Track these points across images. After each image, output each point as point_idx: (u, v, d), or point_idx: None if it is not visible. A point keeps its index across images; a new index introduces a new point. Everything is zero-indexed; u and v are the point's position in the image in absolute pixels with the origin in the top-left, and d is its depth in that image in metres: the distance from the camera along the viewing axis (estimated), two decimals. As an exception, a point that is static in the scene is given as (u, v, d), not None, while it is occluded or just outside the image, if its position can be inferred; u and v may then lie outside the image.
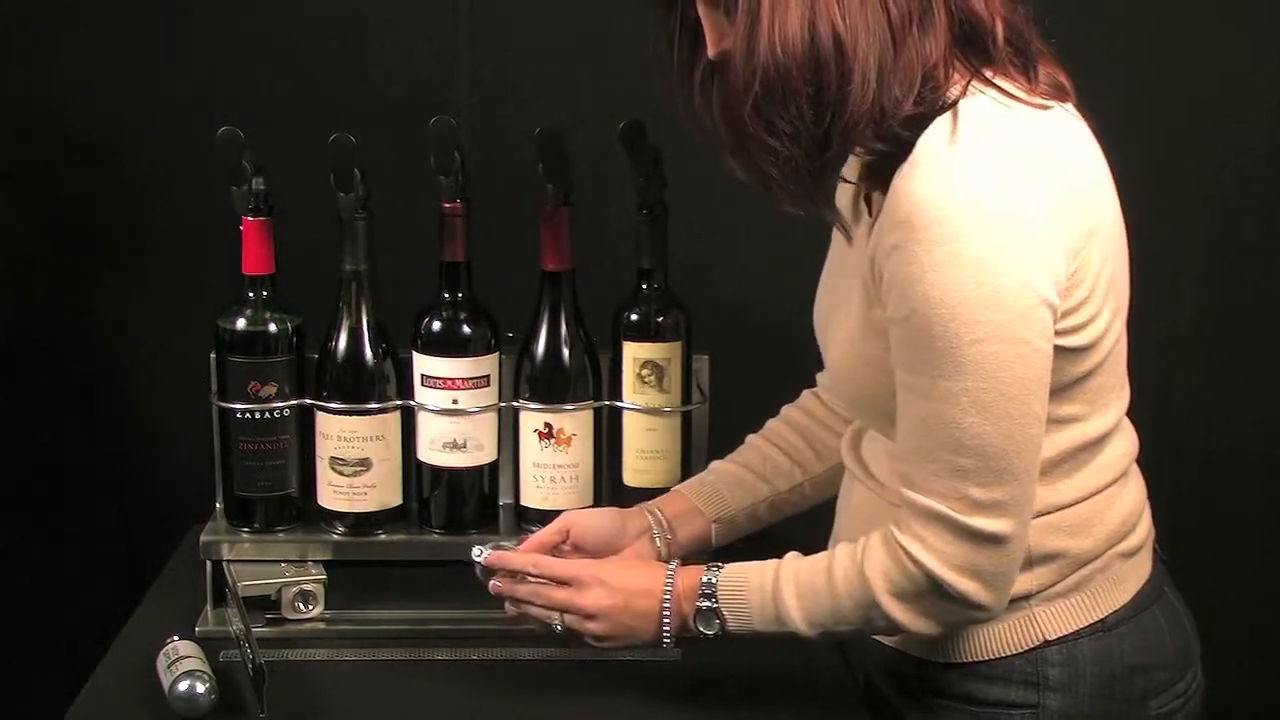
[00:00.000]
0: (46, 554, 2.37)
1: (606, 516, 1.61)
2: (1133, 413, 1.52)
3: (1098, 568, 1.44)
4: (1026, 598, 1.43)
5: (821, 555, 1.44)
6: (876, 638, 1.53)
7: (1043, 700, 1.44)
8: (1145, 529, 1.50)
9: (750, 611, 1.43)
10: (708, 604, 1.44)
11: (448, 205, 1.67)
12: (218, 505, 1.75)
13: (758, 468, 1.66)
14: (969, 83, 1.33)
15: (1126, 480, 1.48)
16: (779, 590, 1.42)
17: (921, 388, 1.32)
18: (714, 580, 1.44)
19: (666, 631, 1.46)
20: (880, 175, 1.35)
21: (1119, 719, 1.45)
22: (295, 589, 1.66)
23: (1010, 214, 1.28)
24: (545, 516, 1.68)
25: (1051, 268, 1.30)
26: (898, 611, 1.38)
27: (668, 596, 1.45)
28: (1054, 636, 1.44)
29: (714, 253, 2.18)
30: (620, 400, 1.73)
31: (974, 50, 1.34)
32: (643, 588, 1.47)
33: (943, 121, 1.31)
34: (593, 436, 1.73)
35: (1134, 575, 1.48)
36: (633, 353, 1.72)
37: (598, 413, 1.74)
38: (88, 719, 1.52)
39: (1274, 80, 2.31)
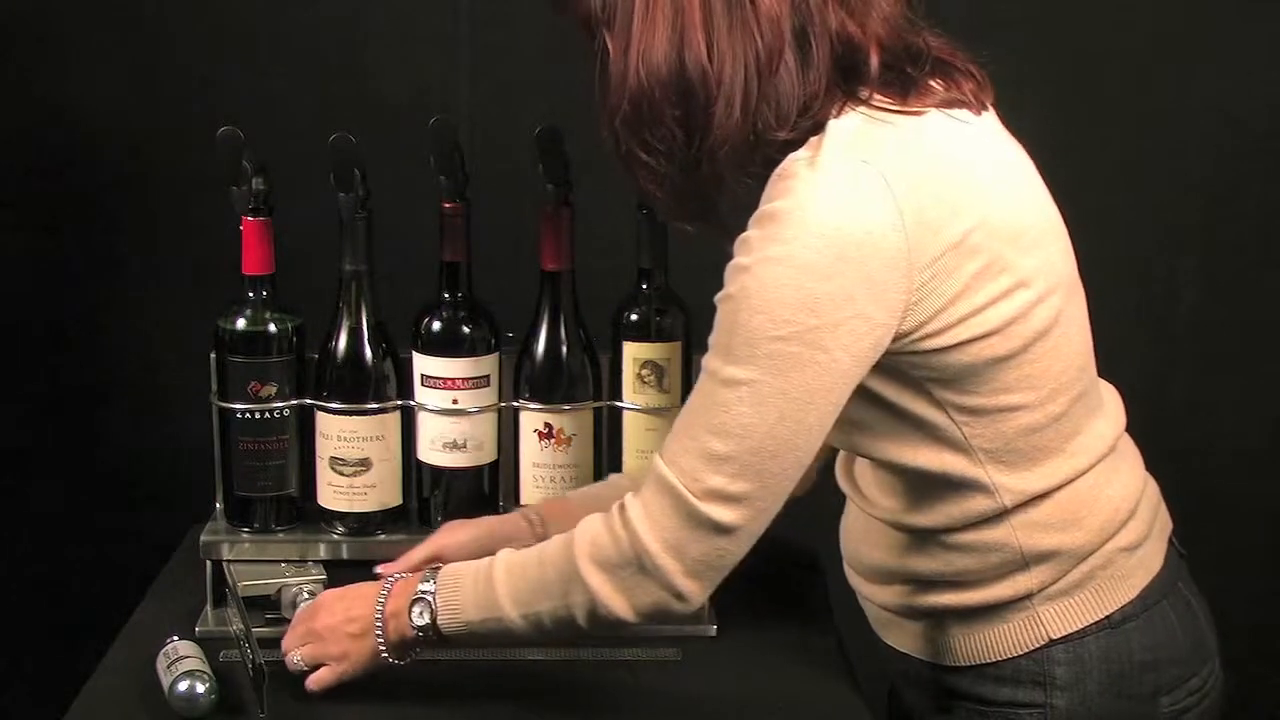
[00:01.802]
0: (47, 553, 2.37)
1: (469, 533, 1.60)
2: (1130, 411, 1.52)
3: (1099, 564, 1.44)
4: (1028, 597, 1.44)
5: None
6: (892, 644, 1.54)
7: (1050, 699, 1.44)
8: (1146, 521, 1.49)
9: (461, 596, 1.44)
10: (426, 588, 1.45)
11: (448, 205, 1.67)
12: (218, 505, 1.74)
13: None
14: (844, 104, 1.35)
15: (1114, 466, 1.47)
16: (492, 569, 1.43)
17: (712, 367, 1.34)
18: (435, 571, 1.47)
19: (378, 632, 1.46)
20: None
21: (1130, 716, 1.45)
22: (295, 589, 1.65)
23: (850, 231, 1.29)
24: (545, 516, 1.69)
25: (886, 284, 1.31)
26: (595, 580, 1.37)
27: (382, 598, 1.47)
28: (1059, 635, 1.44)
29: (714, 253, 2.17)
30: (620, 400, 1.73)
31: (853, 75, 1.36)
32: (359, 595, 1.50)
33: (814, 140, 1.34)
34: (593, 436, 1.73)
35: (1141, 570, 1.47)
36: (632, 353, 1.72)
37: (598, 413, 1.74)
38: (88, 719, 1.52)
39: (1274, 79, 2.32)
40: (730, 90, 1.32)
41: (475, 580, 1.44)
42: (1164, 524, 1.53)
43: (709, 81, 1.32)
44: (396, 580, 1.49)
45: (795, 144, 1.34)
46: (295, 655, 1.52)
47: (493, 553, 1.52)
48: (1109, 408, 1.50)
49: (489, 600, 1.43)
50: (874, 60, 1.35)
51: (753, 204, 1.36)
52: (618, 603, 1.38)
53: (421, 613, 1.45)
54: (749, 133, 1.34)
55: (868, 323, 1.31)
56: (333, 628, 1.50)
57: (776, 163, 1.35)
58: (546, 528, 1.59)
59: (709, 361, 1.35)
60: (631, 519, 1.36)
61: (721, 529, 1.35)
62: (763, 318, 1.30)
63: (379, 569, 1.59)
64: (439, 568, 1.47)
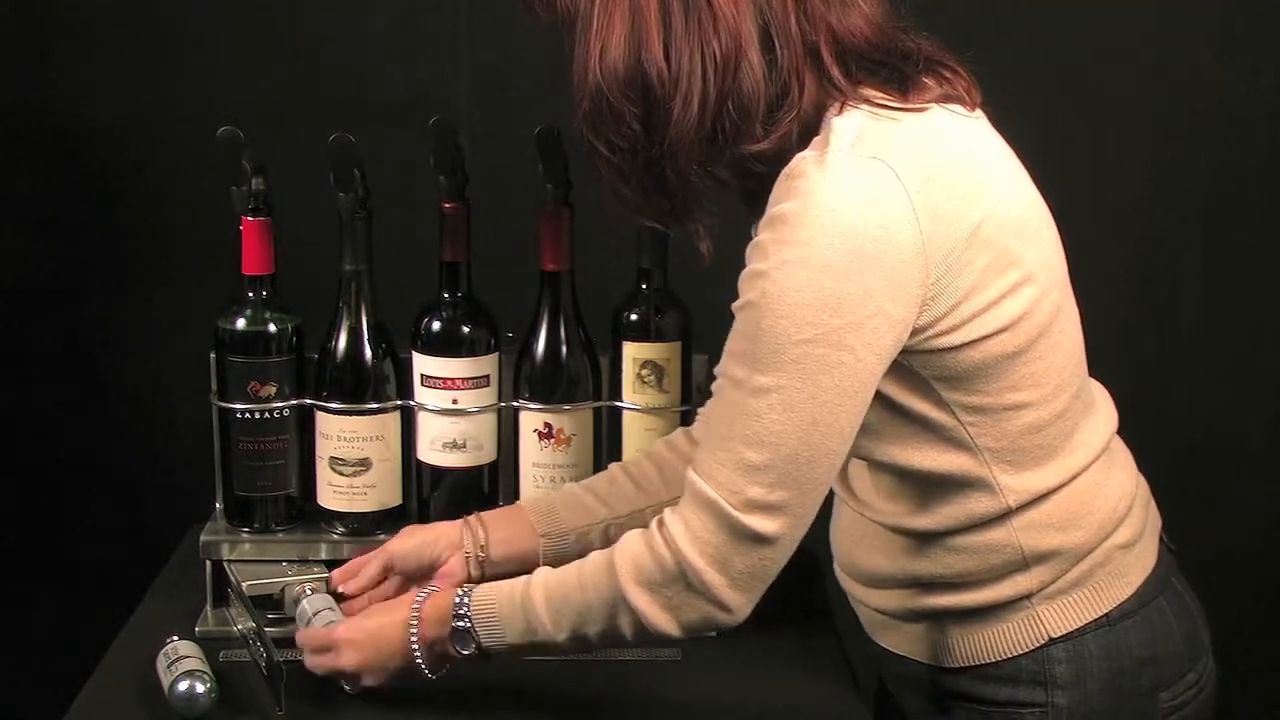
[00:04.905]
0: (47, 553, 2.37)
1: (419, 538, 1.61)
2: (1130, 410, 1.52)
3: (1097, 561, 1.44)
4: (1027, 597, 1.44)
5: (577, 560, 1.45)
6: (887, 647, 1.54)
7: (1051, 698, 1.44)
8: (1140, 519, 1.49)
9: (501, 623, 1.43)
10: (462, 624, 1.44)
11: (448, 205, 1.67)
12: (218, 505, 1.75)
13: (601, 492, 1.64)
14: (845, 103, 1.35)
15: (1109, 464, 1.48)
16: (529, 595, 1.43)
17: (738, 377, 1.34)
18: (465, 599, 1.45)
19: (419, 659, 1.47)
20: (755, 206, 1.38)
21: (1130, 713, 1.46)
22: (299, 588, 1.65)
23: (864, 227, 1.29)
24: (545, 516, 1.69)
25: (903, 279, 1.31)
26: (641, 601, 1.37)
27: (414, 627, 1.47)
28: (1059, 634, 1.44)
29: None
30: (620, 400, 1.73)
31: (835, 76, 1.36)
32: (386, 633, 1.48)
33: (819, 140, 1.34)
34: (592, 436, 1.73)
35: (1137, 567, 1.48)
36: (632, 353, 1.72)
37: (597, 413, 1.74)
38: (88, 719, 1.52)
39: (1275, 80, 2.32)
40: (687, 89, 1.33)
41: (513, 605, 1.43)
42: (1155, 521, 1.54)
43: (665, 79, 1.33)
44: (424, 601, 1.48)
45: (774, 155, 1.35)
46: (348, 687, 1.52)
47: (439, 556, 1.57)
48: (1101, 405, 1.51)
49: (531, 625, 1.42)
50: (828, 62, 1.35)
51: (732, 209, 1.36)
52: (665, 620, 1.38)
53: (465, 643, 1.45)
54: (711, 133, 1.34)
55: (888, 319, 1.31)
56: (379, 684, 1.50)
57: (749, 171, 1.36)
58: (489, 534, 1.60)
59: (733, 370, 1.34)
60: (674, 536, 1.36)
61: (763, 539, 1.34)
62: (786, 322, 1.30)
63: (336, 584, 1.61)
64: (465, 604, 1.45)
